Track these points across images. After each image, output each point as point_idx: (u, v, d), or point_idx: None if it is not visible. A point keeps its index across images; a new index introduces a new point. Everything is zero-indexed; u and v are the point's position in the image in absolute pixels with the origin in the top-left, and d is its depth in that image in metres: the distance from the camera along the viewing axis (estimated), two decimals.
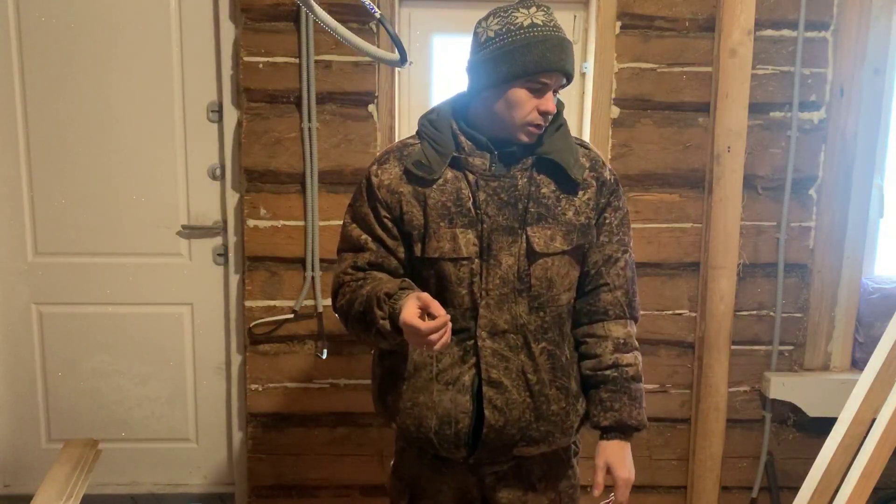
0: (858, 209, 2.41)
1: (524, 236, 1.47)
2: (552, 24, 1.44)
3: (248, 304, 2.42)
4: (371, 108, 2.33)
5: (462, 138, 1.49)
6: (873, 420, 1.77)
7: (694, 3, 2.30)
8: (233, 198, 2.47)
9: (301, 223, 2.37)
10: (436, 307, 1.33)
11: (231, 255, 2.51)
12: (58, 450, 2.25)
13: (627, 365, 1.55)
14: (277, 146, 2.34)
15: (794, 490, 1.95)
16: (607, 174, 1.57)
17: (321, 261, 2.38)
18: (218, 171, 2.49)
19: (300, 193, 2.36)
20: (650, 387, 2.48)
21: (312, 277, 2.38)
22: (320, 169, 2.34)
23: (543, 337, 1.51)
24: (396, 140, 2.35)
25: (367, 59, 2.24)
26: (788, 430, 2.54)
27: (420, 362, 1.52)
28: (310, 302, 2.40)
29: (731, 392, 2.46)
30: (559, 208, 1.50)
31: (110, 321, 2.57)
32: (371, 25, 2.28)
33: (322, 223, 2.37)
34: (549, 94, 1.44)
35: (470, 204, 1.47)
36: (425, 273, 1.51)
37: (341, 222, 2.24)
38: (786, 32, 2.34)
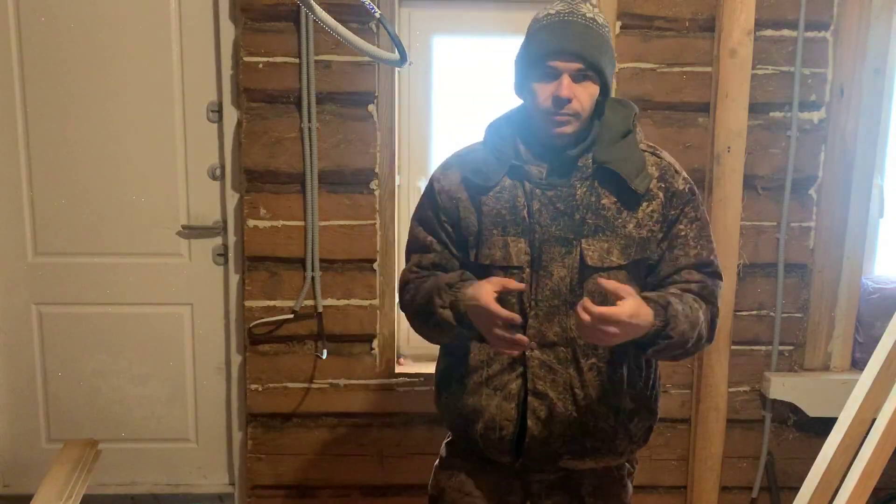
0: (858, 209, 2.41)
1: (578, 248, 1.44)
2: (566, 11, 1.39)
3: (248, 304, 2.42)
4: (371, 108, 2.33)
5: (521, 147, 1.48)
6: (873, 420, 1.77)
7: (694, 3, 2.30)
8: (233, 198, 2.47)
9: (301, 223, 2.37)
10: (514, 283, 1.36)
11: (231, 255, 2.51)
12: (58, 450, 2.26)
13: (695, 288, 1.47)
14: (277, 146, 2.34)
15: (794, 490, 1.95)
16: (679, 184, 1.49)
17: (321, 261, 2.38)
18: (218, 171, 2.49)
19: (300, 193, 2.36)
20: None
21: (312, 277, 2.38)
22: (320, 169, 2.34)
23: (593, 353, 1.47)
24: (396, 140, 2.37)
25: (367, 59, 2.24)
26: (788, 430, 2.54)
27: (473, 365, 1.53)
28: (310, 302, 2.40)
29: (731, 392, 2.46)
30: (619, 220, 1.45)
31: (110, 321, 2.57)
32: (371, 25, 2.28)
33: (322, 223, 2.37)
34: (564, 81, 1.37)
35: (524, 213, 1.46)
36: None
37: (340, 223, 2.25)
38: (786, 32, 2.33)
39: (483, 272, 1.48)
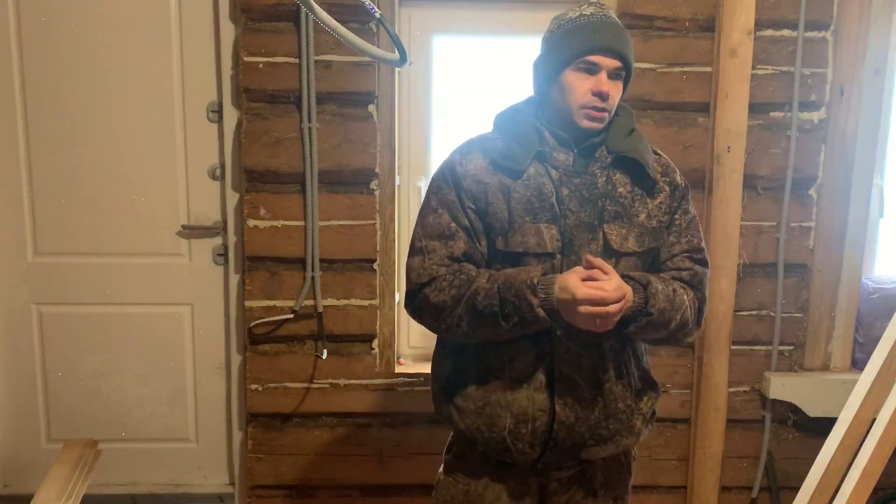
0: (858, 209, 2.41)
1: (601, 233, 1.48)
2: (601, 13, 1.46)
3: (248, 304, 2.42)
4: (371, 108, 2.33)
5: (546, 134, 1.51)
6: (873, 420, 1.77)
7: (694, 3, 2.30)
8: (233, 198, 2.47)
9: (301, 223, 2.37)
10: (599, 263, 1.37)
11: (231, 255, 2.51)
12: (58, 450, 2.26)
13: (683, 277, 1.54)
14: (277, 146, 2.34)
15: (794, 490, 1.95)
16: (679, 179, 1.59)
17: (321, 261, 2.38)
18: (218, 171, 2.49)
19: (300, 193, 2.36)
20: None
21: (312, 277, 2.38)
22: (320, 169, 2.34)
23: (613, 334, 1.49)
24: (396, 140, 2.37)
25: (367, 59, 2.24)
26: (788, 430, 2.54)
27: (492, 360, 1.52)
28: (310, 302, 2.40)
29: (731, 392, 2.46)
30: (633, 209, 1.51)
31: (110, 321, 2.57)
32: (371, 25, 2.28)
33: (322, 223, 2.37)
34: (602, 76, 1.44)
35: (553, 199, 1.48)
36: (504, 268, 1.49)
37: (340, 223, 2.22)
38: (786, 32, 2.34)
39: (514, 261, 1.48)
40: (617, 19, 1.48)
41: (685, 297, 1.51)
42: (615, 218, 1.49)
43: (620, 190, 1.50)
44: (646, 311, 1.43)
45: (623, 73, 1.46)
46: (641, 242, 1.51)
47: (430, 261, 1.50)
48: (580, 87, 1.44)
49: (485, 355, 1.53)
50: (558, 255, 1.47)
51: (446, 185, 1.52)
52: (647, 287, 1.44)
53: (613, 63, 1.44)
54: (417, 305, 1.53)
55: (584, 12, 1.47)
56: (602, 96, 1.44)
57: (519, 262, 1.47)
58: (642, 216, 1.51)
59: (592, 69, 1.44)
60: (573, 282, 1.37)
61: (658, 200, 1.54)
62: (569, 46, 1.45)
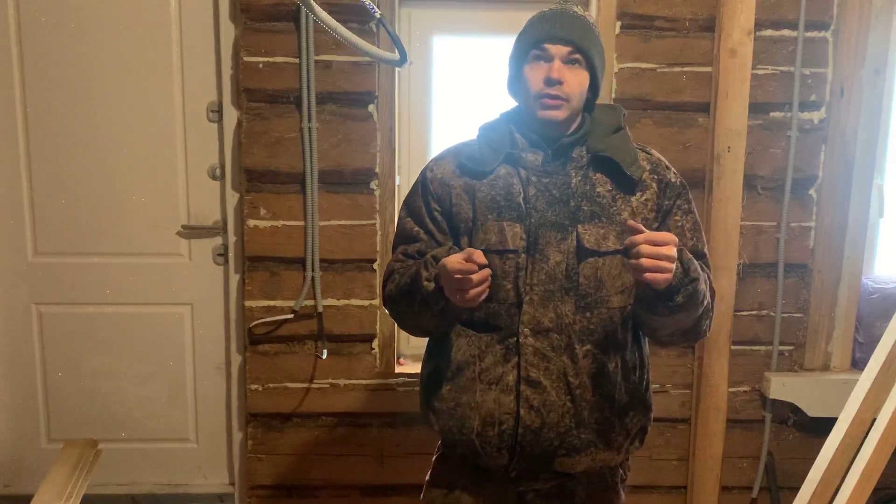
0: (858, 209, 2.41)
1: (574, 234, 1.46)
2: (559, 8, 1.47)
3: (248, 304, 2.42)
4: (371, 108, 2.33)
5: (517, 136, 1.52)
6: (873, 420, 1.77)
7: (694, 3, 2.31)
8: (233, 198, 2.47)
9: (301, 223, 2.37)
10: (478, 255, 1.32)
11: (231, 255, 2.51)
12: (58, 450, 2.26)
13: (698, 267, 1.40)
14: (277, 146, 2.34)
15: (794, 490, 1.95)
16: (671, 176, 1.54)
17: (321, 261, 2.38)
18: (218, 171, 2.49)
19: (300, 193, 2.36)
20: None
21: (312, 277, 2.38)
22: (320, 169, 2.34)
23: (589, 339, 1.47)
24: (396, 140, 2.37)
25: (367, 59, 2.24)
26: (788, 430, 2.54)
27: (462, 362, 1.51)
28: (310, 302, 2.40)
29: (731, 392, 2.46)
30: (614, 208, 1.48)
31: (110, 321, 2.57)
32: (371, 25, 2.28)
33: (322, 223, 2.37)
34: (555, 64, 1.43)
35: (520, 199, 1.48)
36: None
37: (340, 223, 2.25)
38: (786, 32, 2.34)
39: None
40: (579, 12, 1.48)
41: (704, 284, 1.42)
42: (591, 218, 1.47)
43: (599, 189, 1.48)
44: (690, 277, 1.34)
45: (581, 59, 1.44)
46: (622, 240, 1.46)
47: (391, 260, 1.59)
48: (533, 76, 1.45)
49: (457, 355, 1.53)
50: (523, 254, 1.46)
51: (415, 192, 1.59)
52: (681, 253, 1.34)
53: (564, 49, 1.43)
54: (385, 302, 1.60)
55: (542, 10, 1.49)
56: (550, 82, 1.42)
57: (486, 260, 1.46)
58: (625, 214, 1.48)
59: (544, 57, 1.44)
60: (451, 258, 1.35)
61: (644, 197, 1.50)
62: (521, 42, 1.49)
